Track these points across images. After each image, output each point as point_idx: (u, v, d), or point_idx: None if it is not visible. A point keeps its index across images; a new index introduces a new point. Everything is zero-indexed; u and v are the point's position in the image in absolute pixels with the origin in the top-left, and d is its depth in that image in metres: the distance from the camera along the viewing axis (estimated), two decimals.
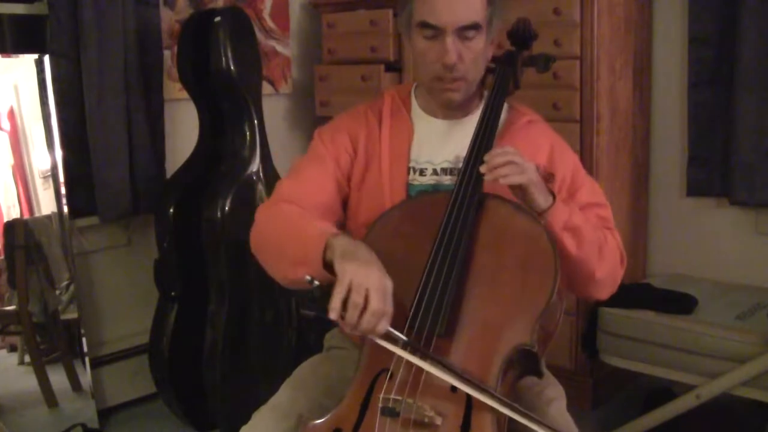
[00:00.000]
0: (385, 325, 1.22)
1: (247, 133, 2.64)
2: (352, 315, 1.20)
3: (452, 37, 1.44)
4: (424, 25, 1.46)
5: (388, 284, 1.24)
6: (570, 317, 2.69)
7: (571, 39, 2.58)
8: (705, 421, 2.51)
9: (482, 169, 1.37)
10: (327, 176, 1.55)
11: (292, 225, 1.41)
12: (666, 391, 2.54)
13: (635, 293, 2.55)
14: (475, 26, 1.45)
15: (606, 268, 1.49)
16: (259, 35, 3.09)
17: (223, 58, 2.53)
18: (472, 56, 1.47)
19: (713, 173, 2.77)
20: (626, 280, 2.76)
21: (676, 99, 2.87)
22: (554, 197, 1.41)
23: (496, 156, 1.37)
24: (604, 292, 1.55)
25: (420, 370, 1.26)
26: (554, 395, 1.47)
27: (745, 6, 2.56)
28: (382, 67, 3.02)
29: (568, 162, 1.58)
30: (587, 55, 2.57)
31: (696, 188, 2.81)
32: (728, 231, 2.82)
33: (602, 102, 2.63)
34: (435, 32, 1.45)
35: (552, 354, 2.64)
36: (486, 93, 1.59)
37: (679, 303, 2.45)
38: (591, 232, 1.45)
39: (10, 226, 2.62)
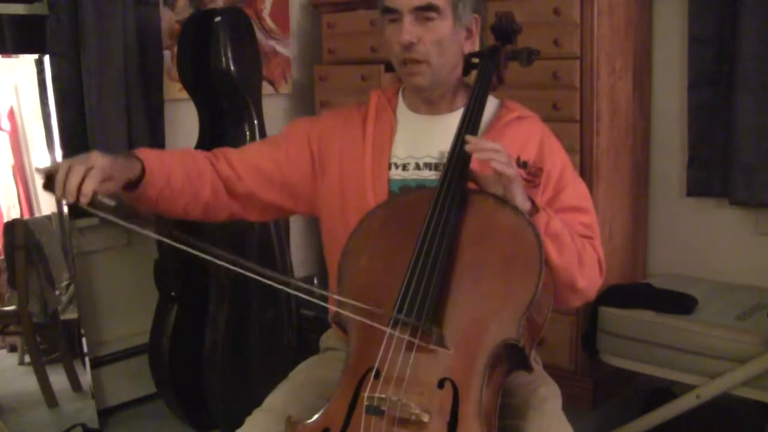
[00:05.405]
0: (90, 185, 1.28)
1: (247, 133, 2.63)
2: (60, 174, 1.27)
3: (409, 17, 1.46)
4: (385, 9, 1.50)
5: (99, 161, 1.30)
6: (570, 317, 2.69)
7: (571, 39, 2.58)
8: (705, 421, 2.51)
9: (468, 147, 1.36)
10: (270, 154, 1.59)
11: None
12: (666, 391, 2.54)
13: (635, 293, 2.54)
14: (431, 7, 1.46)
15: (587, 277, 1.47)
16: (259, 35, 3.09)
17: (223, 58, 2.53)
18: (433, 38, 1.47)
19: (713, 173, 2.77)
20: (626, 280, 2.80)
21: (676, 99, 2.87)
22: (535, 205, 1.40)
23: (482, 141, 1.39)
24: (581, 302, 1.54)
25: (405, 367, 1.25)
26: (549, 393, 1.45)
27: (745, 6, 2.56)
28: (382, 67, 3.01)
29: (556, 159, 1.56)
30: (587, 55, 2.57)
31: (696, 188, 2.81)
32: (728, 231, 2.82)
33: (602, 102, 2.63)
34: (395, 15, 1.48)
35: (552, 354, 2.64)
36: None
37: (679, 303, 2.44)
38: (570, 240, 1.44)
39: (10, 226, 2.62)
